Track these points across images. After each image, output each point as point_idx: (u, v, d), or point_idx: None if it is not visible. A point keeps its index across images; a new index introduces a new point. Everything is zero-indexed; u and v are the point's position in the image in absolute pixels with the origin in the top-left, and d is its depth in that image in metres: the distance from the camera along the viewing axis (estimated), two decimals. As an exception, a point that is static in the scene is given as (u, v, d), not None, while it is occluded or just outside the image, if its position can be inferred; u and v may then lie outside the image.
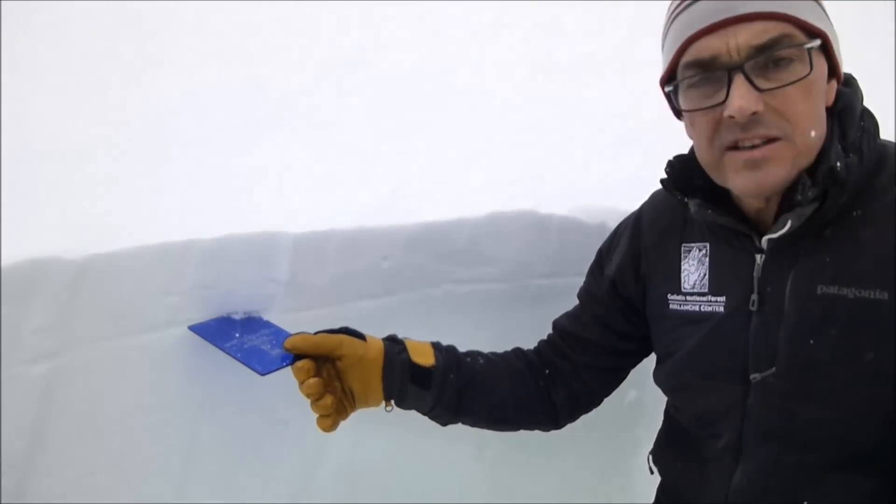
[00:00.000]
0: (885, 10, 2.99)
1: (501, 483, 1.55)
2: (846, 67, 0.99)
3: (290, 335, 1.07)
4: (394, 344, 1.13)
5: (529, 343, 1.31)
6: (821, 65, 0.92)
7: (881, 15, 3.00)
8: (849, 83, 1.01)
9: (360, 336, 1.10)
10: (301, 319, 1.27)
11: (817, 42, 0.90)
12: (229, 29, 2.27)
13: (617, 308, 1.22)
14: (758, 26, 0.88)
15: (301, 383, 1.03)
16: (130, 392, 1.19)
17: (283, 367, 1.06)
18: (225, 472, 1.27)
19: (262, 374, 1.06)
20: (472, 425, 1.23)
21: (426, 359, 1.14)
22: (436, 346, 1.18)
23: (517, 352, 1.29)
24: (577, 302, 1.32)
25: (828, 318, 0.92)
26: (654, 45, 1.11)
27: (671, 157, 1.10)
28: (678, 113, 1.06)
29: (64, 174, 1.36)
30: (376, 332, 1.11)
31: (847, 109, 0.96)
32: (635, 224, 1.22)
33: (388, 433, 1.09)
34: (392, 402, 1.13)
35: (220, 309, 1.25)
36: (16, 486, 1.10)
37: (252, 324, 1.22)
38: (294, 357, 1.04)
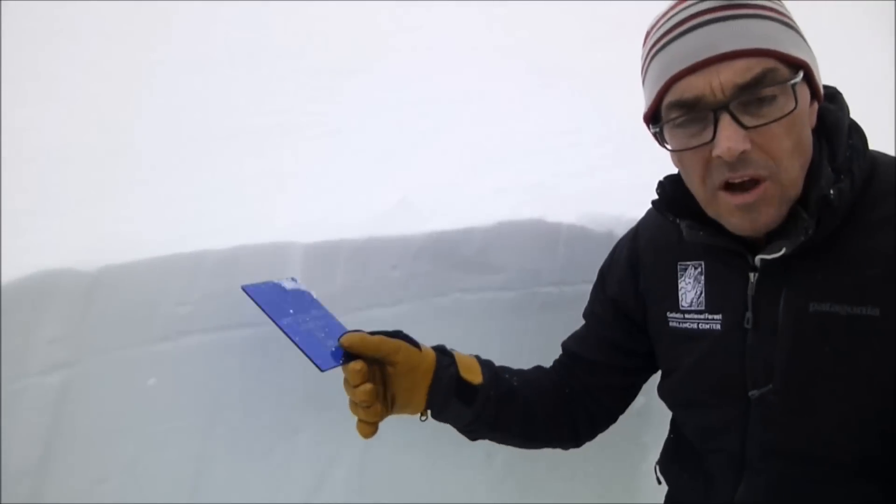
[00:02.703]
0: (885, 10, 2.99)
1: (510, 490, 1.55)
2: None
3: (345, 329, 1.04)
4: (443, 356, 1.11)
5: (537, 350, 1.32)
6: (804, 95, 0.92)
7: (881, 15, 2.99)
8: (834, 98, 1.00)
9: (415, 344, 1.08)
10: (312, 328, 1.28)
11: (800, 75, 0.89)
12: (237, 35, 2.28)
13: (620, 326, 1.23)
14: (740, 64, 0.87)
15: (355, 386, 0.99)
16: (143, 400, 1.20)
17: (339, 365, 1.01)
18: (236, 479, 1.28)
19: (323, 371, 0.99)
20: (501, 442, 1.22)
21: (474, 376, 1.12)
22: (479, 360, 1.18)
23: (540, 370, 1.29)
24: (583, 309, 1.33)
25: (821, 335, 0.93)
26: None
27: (661, 178, 1.10)
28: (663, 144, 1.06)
29: (75, 185, 1.37)
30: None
31: (834, 129, 0.96)
32: (632, 242, 1.24)
33: (398, 440, 1.09)
34: (428, 412, 1.11)
35: (231, 318, 1.26)
36: (30, 492, 1.11)
37: (302, 300, 1.13)
38: (346, 355, 1.00)
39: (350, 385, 1.00)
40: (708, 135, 0.89)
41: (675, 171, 1.09)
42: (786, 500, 1.00)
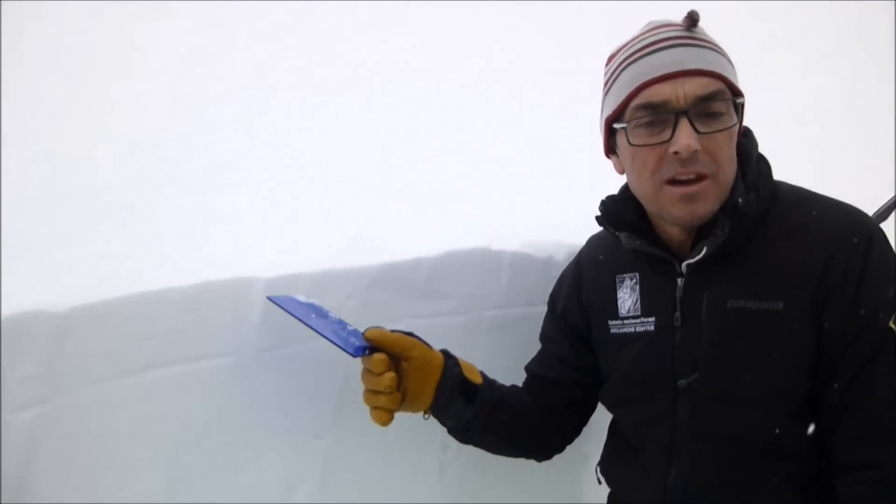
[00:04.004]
0: (885, 10, 3.11)
1: (461, 498, 1.63)
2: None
3: (358, 331, 1.18)
4: (449, 358, 1.25)
5: (485, 369, 1.42)
6: (739, 119, 1.11)
7: (881, 15, 3.11)
8: (746, 134, 1.19)
9: (427, 344, 1.22)
10: (273, 358, 1.35)
11: (743, 100, 1.10)
12: (189, 75, 2.34)
13: (569, 342, 1.38)
14: (702, 80, 1.06)
15: (378, 375, 1.12)
16: (113, 432, 1.24)
17: (364, 355, 1.14)
18: (206, 500, 1.34)
19: (354, 357, 1.14)
20: (488, 447, 1.37)
21: (475, 377, 1.27)
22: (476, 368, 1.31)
23: (516, 387, 1.42)
24: (526, 329, 1.50)
25: (737, 327, 1.10)
26: (596, 91, 1.26)
27: (604, 198, 1.27)
28: (609, 151, 1.23)
29: (43, 229, 1.42)
30: (342, 368, 1.20)
31: (746, 156, 1.15)
32: (576, 266, 1.41)
33: (358, 459, 1.17)
34: (430, 410, 1.23)
35: (195, 351, 1.32)
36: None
37: (317, 309, 1.27)
38: (368, 348, 1.14)
39: (374, 374, 1.13)
40: (667, 135, 1.07)
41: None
42: (711, 478, 1.13)
